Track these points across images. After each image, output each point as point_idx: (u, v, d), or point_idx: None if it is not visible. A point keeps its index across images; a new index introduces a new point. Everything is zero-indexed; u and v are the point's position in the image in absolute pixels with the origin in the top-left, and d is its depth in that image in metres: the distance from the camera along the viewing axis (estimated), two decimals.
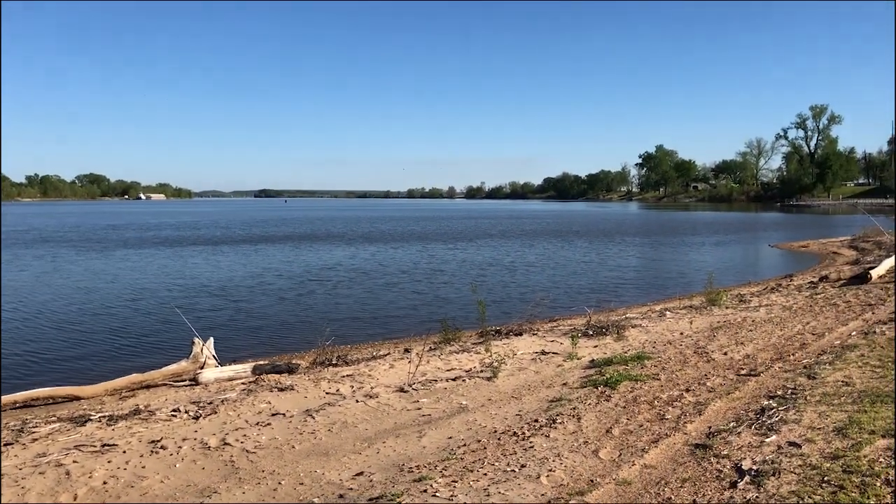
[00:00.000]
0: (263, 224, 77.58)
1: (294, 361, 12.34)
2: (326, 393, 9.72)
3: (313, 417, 8.30)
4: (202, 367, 11.74)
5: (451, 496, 5.34)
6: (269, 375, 11.33)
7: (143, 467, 6.75)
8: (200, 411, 8.84)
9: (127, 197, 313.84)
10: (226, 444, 7.40)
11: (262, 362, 12.33)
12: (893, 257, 20.43)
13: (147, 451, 7.25)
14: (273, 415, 8.59)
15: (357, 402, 8.99)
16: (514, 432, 7.03)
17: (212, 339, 12.69)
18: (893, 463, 5.01)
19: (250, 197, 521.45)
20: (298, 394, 9.73)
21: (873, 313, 12.80)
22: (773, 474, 5.09)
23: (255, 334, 16.76)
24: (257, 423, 8.17)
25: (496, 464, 6.05)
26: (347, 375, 10.81)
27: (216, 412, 8.76)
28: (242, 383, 10.97)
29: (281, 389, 9.98)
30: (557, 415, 7.53)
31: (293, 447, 7.25)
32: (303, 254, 39.06)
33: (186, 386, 11.27)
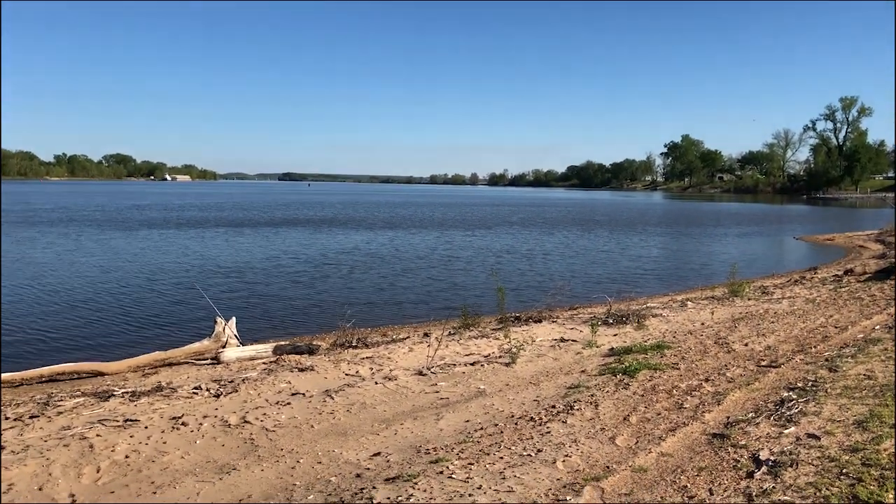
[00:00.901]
0: (287, 207, 77.98)
1: (314, 343, 12.45)
2: (346, 374, 9.79)
3: (332, 398, 8.37)
4: (224, 347, 11.87)
5: (467, 478, 5.38)
6: (289, 356, 11.42)
7: (165, 443, 6.86)
8: (221, 389, 8.95)
9: (153, 178, 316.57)
10: (246, 422, 7.49)
11: (283, 343, 12.44)
12: None
13: (168, 427, 7.36)
14: (293, 394, 8.67)
15: (376, 384, 9.06)
16: (532, 417, 7.05)
17: (234, 319, 12.81)
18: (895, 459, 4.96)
19: (274, 180, 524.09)
20: (318, 374, 9.81)
21: None
22: (791, 465, 5.07)
23: (276, 315, 16.90)
24: (277, 403, 8.26)
25: (513, 448, 6.08)
26: (367, 358, 10.88)
27: (237, 391, 8.86)
28: (263, 363, 11.08)
29: (301, 370, 10.07)
30: (575, 401, 7.54)
31: (312, 427, 7.33)
32: (324, 237, 39.28)
33: (208, 364, 11.41)
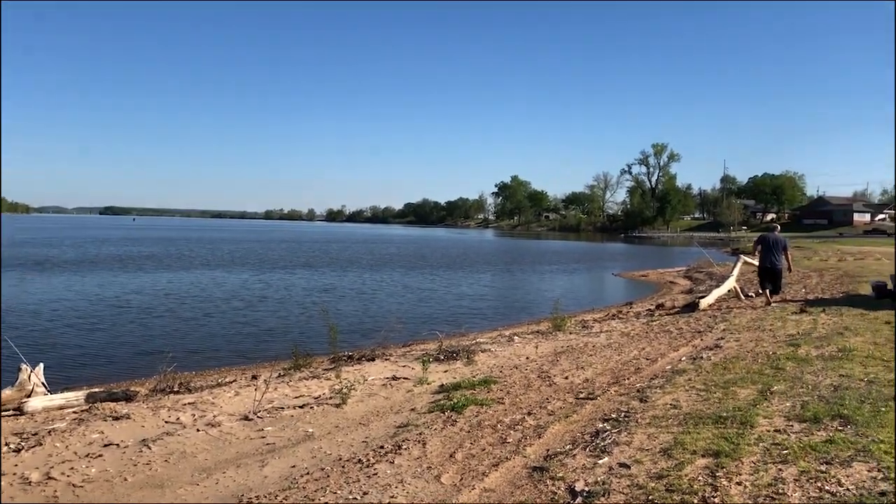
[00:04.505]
0: (104, 243, 73.40)
1: (132, 389, 11.73)
2: (165, 422, 9.28)
3: (149, 448, 7.90)
4: (29, 396, 10.90)
5: None
6: (104, 404, 10.67)
7: None
8: (23, 443, 8.20)
9: None
10: (50, 478, 6.90)
11: (96, 390, 11.63)
12: (722, 287, 22.05)
13: None
14: (105, 445, 8.10)
15: (198, 430, 8.65)
16: (359, 459, 6.99)
17: (41, 365, 11.82)
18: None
19: (95, 214, 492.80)
20: (135, 423, 9.23)
21: (702, 340, 13.71)
22: (604, 494, 5.33)
23: (91, 361, 15.81)
24: (87, 455, 7.68)
25: (339, 492, 5.99)
26: (189, 403, 10.38)
27: (41, 444, 8.15)
28: (74, 412, 10.29)
29: (116, 418, 9.43)
30: (403, 440, 7.57)
31: (125, 479, 6.87)
32: (142, 277, 37.13)
33: (10, 416, 10.43)
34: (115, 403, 10.66)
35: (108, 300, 26.09)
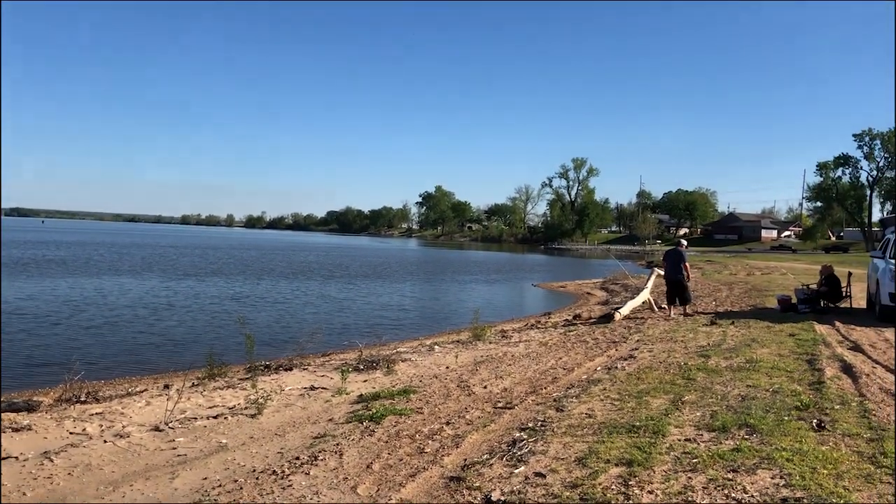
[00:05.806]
0: (7, 246, 70.06)
1: (35, 398, 11.19)
2: (70, 433, 8.89)
3: (52, 460, 7.55)
4: None
5: None
6: (2, 414, 10.14)
7: None
8: None
9: None
10: None
11: None
12: (637, 299, 22.65)
13: None
14: (3, 459, 7.69)
15: (105, 442, 8.32)
16: (274, 471, 6.84)
17: None
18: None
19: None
20: (37, 434, 8.82)
21: (616, 350, 14.02)
22: None
23: None
24: None
25: None
26: (97, 413, 9.97)
27: None
28: None
29: (16, 430, 8.97)
30: (320, 451, 7.45)
31: (24, 495, 6.53)
32: (47, 282, 35.45)
33: None
34: (15, 414, 10.13)
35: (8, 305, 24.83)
